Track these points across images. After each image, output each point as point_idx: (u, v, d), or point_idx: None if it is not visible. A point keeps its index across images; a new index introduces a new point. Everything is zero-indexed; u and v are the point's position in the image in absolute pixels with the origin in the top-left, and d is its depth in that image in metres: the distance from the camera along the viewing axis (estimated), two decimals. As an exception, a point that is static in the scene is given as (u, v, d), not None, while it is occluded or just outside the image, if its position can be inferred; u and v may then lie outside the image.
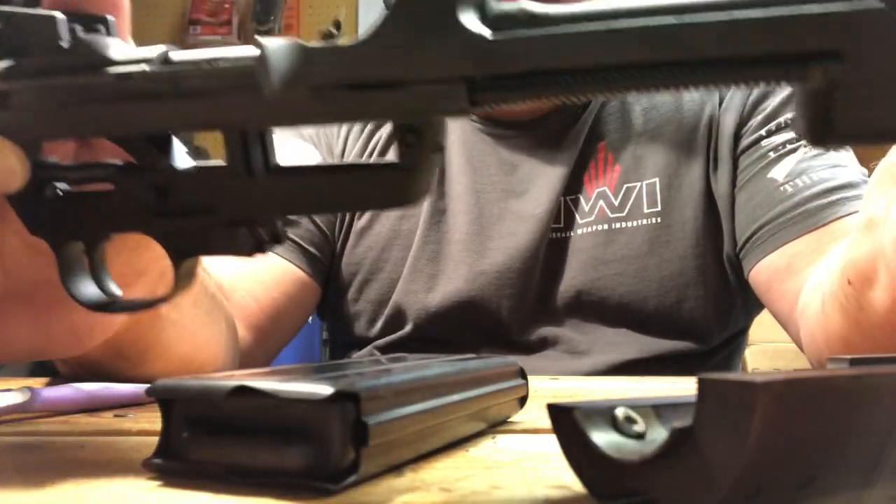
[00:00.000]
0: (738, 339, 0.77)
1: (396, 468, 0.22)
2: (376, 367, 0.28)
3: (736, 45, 0.19)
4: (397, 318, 0.73)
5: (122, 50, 0.27)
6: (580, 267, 0.70)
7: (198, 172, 0.27)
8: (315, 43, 0.23)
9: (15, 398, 0.32)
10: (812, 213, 0.61)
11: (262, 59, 0.22)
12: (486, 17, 0.21)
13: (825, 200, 0.61)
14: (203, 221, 0.27)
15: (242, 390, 0.20)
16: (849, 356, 0.21)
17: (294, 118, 0.23)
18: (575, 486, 0.20)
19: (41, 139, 0.29)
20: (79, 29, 0.27)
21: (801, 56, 0.19)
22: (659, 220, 0.70)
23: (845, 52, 0.19)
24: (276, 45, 0.22)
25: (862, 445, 0.17)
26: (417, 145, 0.24)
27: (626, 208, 0.71)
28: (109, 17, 0.28)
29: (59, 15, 0.27)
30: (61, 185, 0.29)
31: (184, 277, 0.28)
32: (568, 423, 0.19)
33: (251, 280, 0.69)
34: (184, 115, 0.26)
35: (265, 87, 0.22)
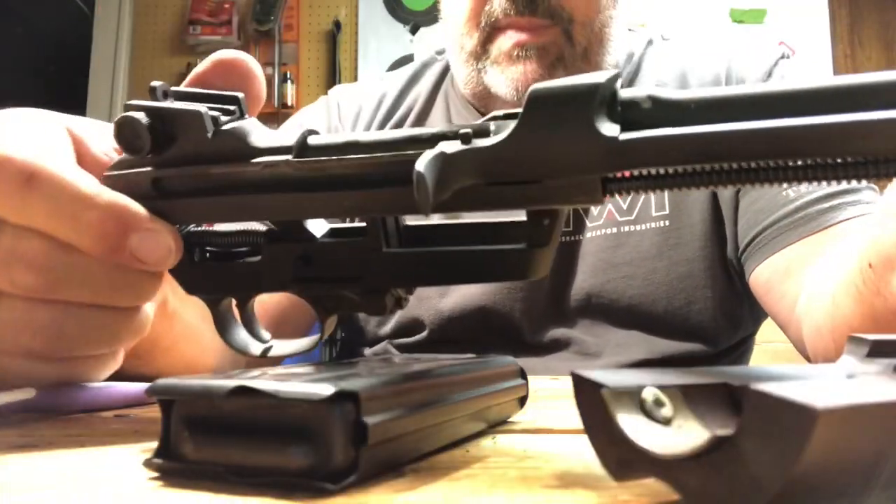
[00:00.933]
0: (746, 343, 0.77)
1: (396, 468, 0.22)
2: (376, 367, 0.28)
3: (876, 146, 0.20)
4: (413, 325, 0.74)
5: (261, 136, 0.29)
6: (590, 270, 0.71)
7: (338, 244, 0.30)
8: (456, 146, 0.24)
9: (20, 396, 0.32)
10: (813, 217, 0.62)
11: (419, 184, 0.22)
12: (615, 108, 0.23)
13: (826, 205, 0.62)
14: (347, 288, 0.30)
15: (242, 390, 0.20)
16: (871, 336, 0.21)
17: (434, 210, 0.24)
18: (575, 486, 0.20)
19: (191, 222, 0.32)
20: (221, 118, 0.30)
21: None
22: (667, 223, 0.71)
23: None
24: (426, 163, 0.22)
25: (892, 462, 0.17)
26: (551, 226, 0.26)
27: (635, 212, 0.72)
28: (240, 95, 0.31)
29: (203, 109, 0.29)
30: (209, 248, 0.33)
31: (329, 325, 0.31)
32: (593, 400, 0.18)
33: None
34: (328, 204, 0.28)
35: (421, 209, 0.22)
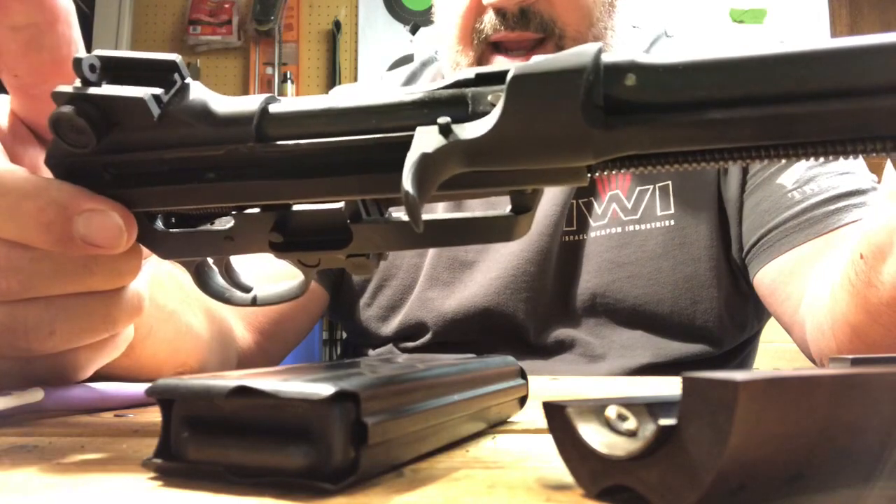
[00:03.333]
0: (750, 344, 0.77)
1: (396, 468, 0.22)
2: (377, 367, 0.28)
3: (839, 131, 0.20)
4: (416, 328, 0.74)
5: (215, 109, 0.27)
6: (595, 270, 0.71)
7: (315, 212, 0.28)
8: (436, 140, 0.23)
9: (29, 397, 0.32)
10: (818, 219, 0.62)
11: (410, 204, 0.21)
12: (599, 89, 0.22)
13: (832, 207, 0.62)
14: (328, 253, 0.29)
15: (242, 390, 0.20)
16: (850, 356, 0.21)
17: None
18: (575, 486, 0.20)
19: (152, 207, 0.30)
20: (163, 97, 0.27)
21: None
22: (672, 222, 0.70)
23: None
24: (411, 178, 0.21)
25: (854, 444, 0.17)
26: (534, 193, 0.26)
27: (640, 211, 0.72)
28: (177, 58, 0.28)
29: (144, 95, 0.27)
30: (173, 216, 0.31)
31: (309, 275, 0.30)
32: (561, 420, 0.19)
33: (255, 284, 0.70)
34: (300, 190, 0.26)
35: (414, 225, 0.22)
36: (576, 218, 0.73)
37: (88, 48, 0.28)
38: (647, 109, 0.21)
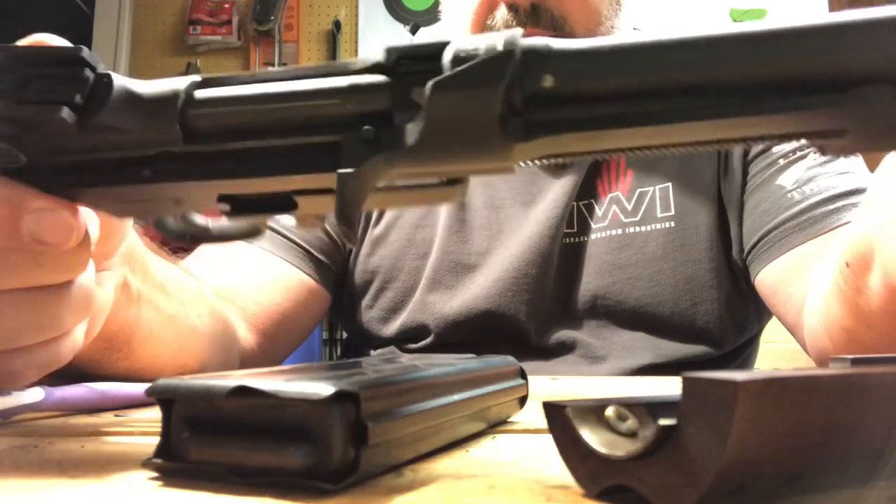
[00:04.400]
0: (751, 345, 0.77)
1: (396, 468, 0.22)
2: (377, 367, 0.28)
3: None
4: (418, 330, 0.74)
5: (137, 107, 0.26)
6: (596, 272, 0.71)
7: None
8: (360, 156, 0.23)
9: (29, 397, 0.32)
10: (818, 219, 0.62)
11: (346, 232, 0.22)
12: (516, 91, 0.21)
13: (831, 207, 0.62)
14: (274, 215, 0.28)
15: (242, 390, 0.20)
16: (851, 356, 0.21)
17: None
18: (575, 486, 0.20)
19: (92, 207, 0.29)
20: (80, 103, 0.26)
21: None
22: (672, 224, 0.71)
23: None
24: (349, 185, 0.22)
25: (854, 444, 0.17)
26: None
27: (640, 213, 0.72)
28: (83, 51, 0.27)
29: (58, 110, 0.26)
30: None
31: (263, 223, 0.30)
32: (561, 420, 0.19)
33: (258, 284, 0.70)
34: (235, 186, 0.26)
35: (351, 244, 0.22)
36: (576, 220, 0.73)
37: (88, 48, 0.28)
38: (570, 114, 0.22)
